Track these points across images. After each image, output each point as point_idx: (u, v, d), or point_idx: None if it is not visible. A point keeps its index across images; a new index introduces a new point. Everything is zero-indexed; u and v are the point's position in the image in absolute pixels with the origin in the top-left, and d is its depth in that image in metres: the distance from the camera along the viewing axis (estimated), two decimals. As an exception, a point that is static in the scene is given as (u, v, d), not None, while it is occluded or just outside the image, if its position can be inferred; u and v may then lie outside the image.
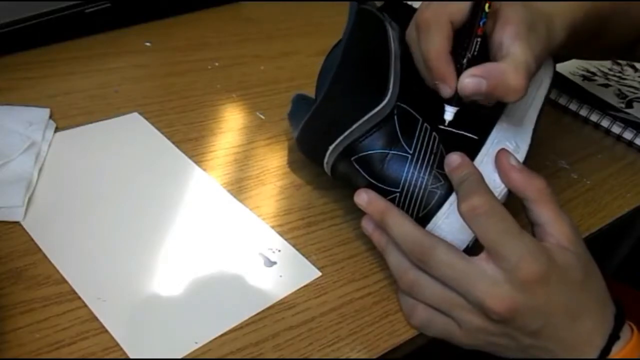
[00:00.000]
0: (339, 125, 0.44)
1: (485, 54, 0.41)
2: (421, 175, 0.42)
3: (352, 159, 0.44)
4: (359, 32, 0.47)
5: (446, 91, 0.41)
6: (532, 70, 0.39)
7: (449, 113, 0.42)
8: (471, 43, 0.40)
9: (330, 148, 0.45)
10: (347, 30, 0.48)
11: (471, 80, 0.39)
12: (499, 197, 0.41)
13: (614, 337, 0.38)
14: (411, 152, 0.43)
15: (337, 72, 0.45)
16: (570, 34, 0.44)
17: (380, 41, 0.46)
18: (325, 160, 0.46)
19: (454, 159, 0.41)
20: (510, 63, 0.39)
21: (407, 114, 0.44)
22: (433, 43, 0.40)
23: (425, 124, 0.43)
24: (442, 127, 0.43)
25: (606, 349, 0.37)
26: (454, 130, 0.42)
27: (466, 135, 0.43)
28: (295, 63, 0.68)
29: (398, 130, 0.43)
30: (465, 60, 0.40)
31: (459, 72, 0.40)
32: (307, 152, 0.49)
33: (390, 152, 0.43)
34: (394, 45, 0.46)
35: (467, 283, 0.37)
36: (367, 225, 0.44)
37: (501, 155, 0.41)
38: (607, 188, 0.58)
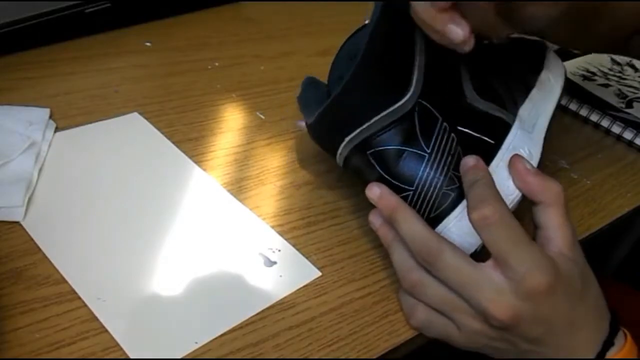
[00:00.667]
0: (357, 118, 0.43)
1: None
2: (437, 176, 0.41)
3: (368, 152, 0.43)
4: (384, 24, 0.45)
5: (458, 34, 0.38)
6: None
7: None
8: None
9: (346, 140, 0.43)
10: (372, 22, 0.45)
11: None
12: (511, 205, 0.40)
13: (608, 344, 0.38)
14: (428, 151, 0.42)
15: (360, 64, 0.43)
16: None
17: (405, 35, 0.44)
18: (339, 151, 0.45)
19: (469, 161, 0.41)
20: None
21: (428, 111, 0.43)
22: None
23: (445, 124, 0.42)
24: (460, 128, 0.42)
25: (601, 355, 0.37)
26: (471, 132, 0.42)
27: (483, 139, 0.42)
28: (295, 63, 0.68)
29: (417, 128, 0.42)
30: None
31: None
32: (319, 140, 0.48)
33: (408, 149, 0.42)
34: (419, 40, 0.44)
35: (472, 289, 0.37)
36: (374, 220, 0.43)
37: (516, 160, 0.41)
38: (607, 188, 0.58)
